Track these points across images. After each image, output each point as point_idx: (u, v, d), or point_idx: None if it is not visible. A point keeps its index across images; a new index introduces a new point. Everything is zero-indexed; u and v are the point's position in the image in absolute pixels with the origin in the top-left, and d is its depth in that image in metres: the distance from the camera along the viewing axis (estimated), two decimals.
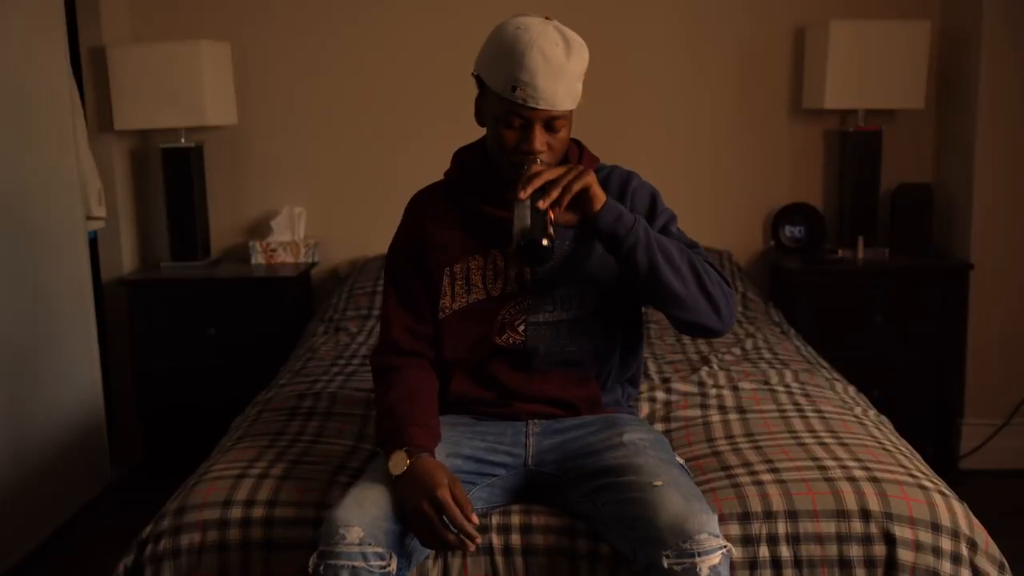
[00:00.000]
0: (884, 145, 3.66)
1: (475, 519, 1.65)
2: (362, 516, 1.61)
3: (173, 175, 3.63)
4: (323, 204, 3.83)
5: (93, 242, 3.63)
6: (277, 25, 3.74)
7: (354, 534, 1.58)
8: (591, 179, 1.73)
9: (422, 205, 2.02)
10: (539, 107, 1.75)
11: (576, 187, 1.70)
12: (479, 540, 1.67)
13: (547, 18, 1.78)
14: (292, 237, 3.75)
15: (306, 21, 3.73)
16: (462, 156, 2.00)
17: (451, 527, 1.63)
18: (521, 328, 1.89)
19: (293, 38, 3.74)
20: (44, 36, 3.20)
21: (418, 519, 1.64)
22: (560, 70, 1.74)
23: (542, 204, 1.68)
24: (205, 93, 3.46)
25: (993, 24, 3.41)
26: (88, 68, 3.62)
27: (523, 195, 1.69)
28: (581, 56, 1.78)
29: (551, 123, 1.79)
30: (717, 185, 3.78)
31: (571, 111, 1.82)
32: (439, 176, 1.90)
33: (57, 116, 3.26)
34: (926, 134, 3.75)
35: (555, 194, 1.69)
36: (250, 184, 3.83)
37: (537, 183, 1.70)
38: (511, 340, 1.90)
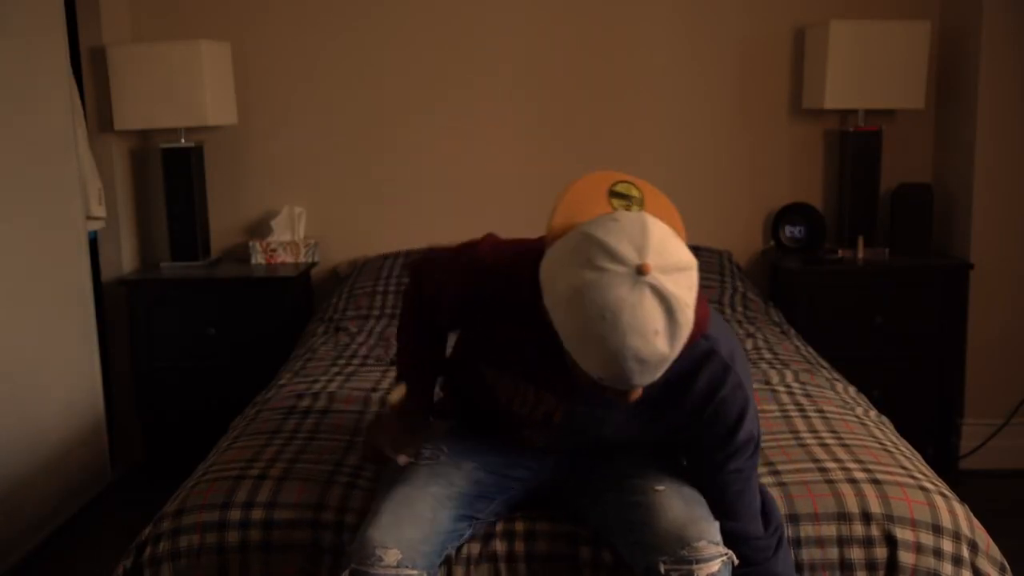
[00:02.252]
0: (884, 145, 3.66)
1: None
2: (400, 538, 1.58)
3: (173, 175, 3.63)
4: (323, 204, 3.83)
5: (93, 242, 3.63)
6: (277, 25, 3.74)
7: (392, 556, 1.56)
8: None
9: (502, 296, 1.65)
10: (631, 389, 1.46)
11: None
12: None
13: (641, 270, 1.34)
14: (292, 237, 3.75)
15: (306, 21, 3.73)
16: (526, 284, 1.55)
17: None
18: (540, 443, 1.80)
19: (293, 38, 3.74)
20: (44, 36, 3.20)
21: (367, 446, 1.80)
22: (659, 366, 1.38)
23: None
24: (205, 93, 3.45)
25: (993, 24, 3.41)
26: (88, 68, 3.62)
27: None
28: (687, 326, 1.38)
29: None
30: (717, 185, 3.77)
31: None
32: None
33: (57, 116, 3.25)
34: (926, 134, 3.75)
35: None
36: (250, 184, 3.83)
37: None
38: (534, 440, 1.80)
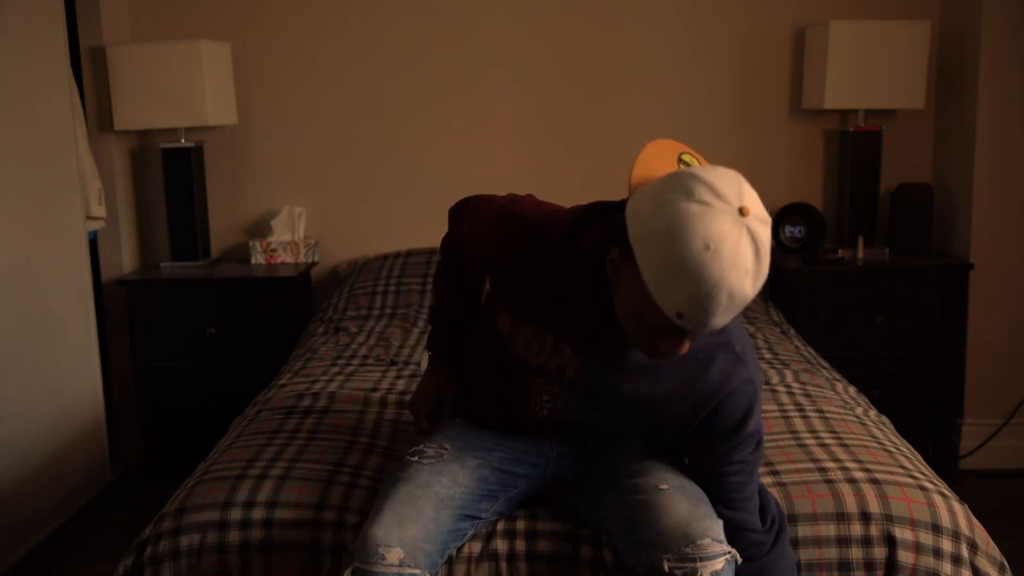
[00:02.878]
0: (884, 145, 3.66)
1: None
2: (403, 537, 1.59)
3: (173, 175, 3.63)
4: (323, 204, 3.83)
5: (93, 242, 3.63)
6: (277, 25, 3.74)
7: (394, 555, 1.56)
8: None
9: (535, 261, 1.68)
10: (703, 330, 1.47)
11: None
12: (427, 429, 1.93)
13: (743, 211, 1.39)
14: (292, 237, 3.75)
15: (306, 21, 3.73)
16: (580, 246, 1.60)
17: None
18: (547, 408, 1.79)
19: (293, 38, 3.74)
20: (44, 36, 3.20)
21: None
22: (739, 307, 1.43)
23: None
24: (205, 93, 3.46)
25: (993, 24, 3.41)
26: (88, 68, 3.62)
27: None
28: (765, 274, 1.43)
29: None
30: None
31: None
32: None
33: (57, 116, 3.25)
34: (926, 134, 3.75)
35: None
36: (250, 184, 3.83)
37: None
38: (541, 410, 1.79)
